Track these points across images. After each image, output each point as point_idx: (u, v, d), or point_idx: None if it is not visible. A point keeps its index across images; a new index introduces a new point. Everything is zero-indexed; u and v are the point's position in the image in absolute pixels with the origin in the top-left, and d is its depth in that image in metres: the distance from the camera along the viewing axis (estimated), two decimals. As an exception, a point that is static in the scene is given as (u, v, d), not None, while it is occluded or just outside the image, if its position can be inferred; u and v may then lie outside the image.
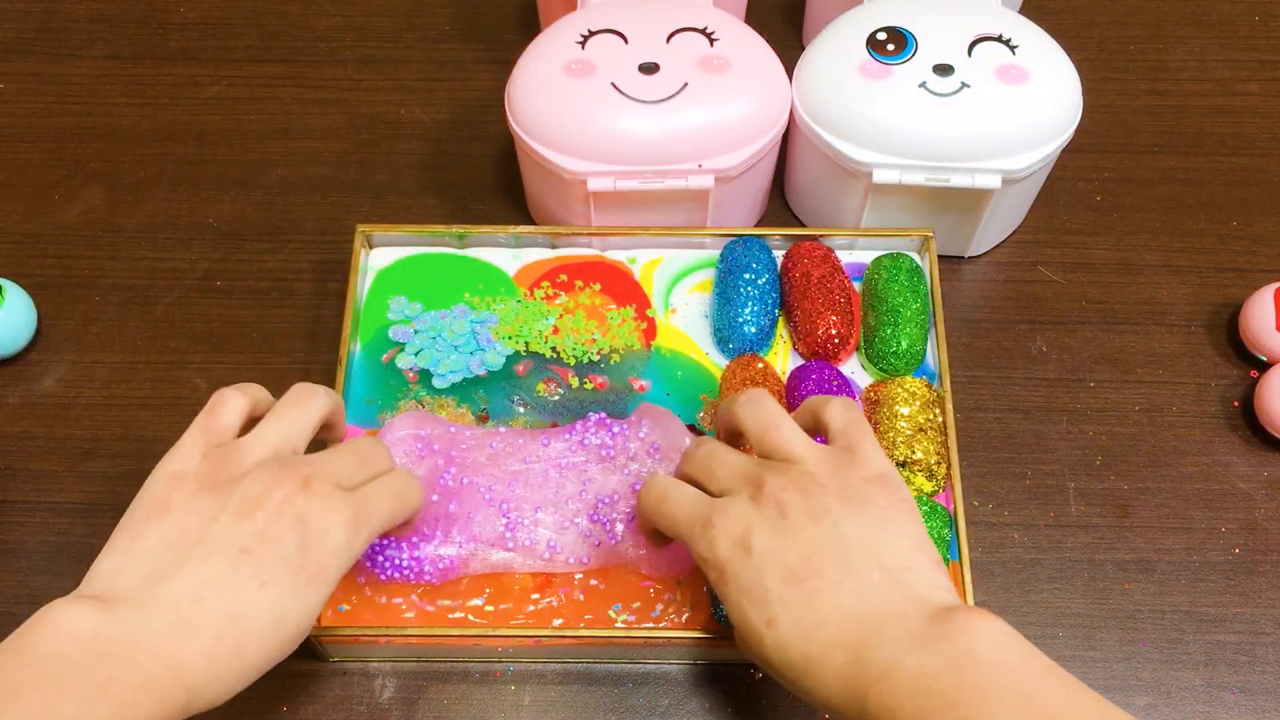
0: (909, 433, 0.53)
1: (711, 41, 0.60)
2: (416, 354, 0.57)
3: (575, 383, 0.56)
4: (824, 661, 0.38)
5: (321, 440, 0.48)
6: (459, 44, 0.76)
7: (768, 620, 0.39)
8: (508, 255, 0.60)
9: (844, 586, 0.38)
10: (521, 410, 0.56)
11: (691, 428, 0.55)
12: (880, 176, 0.58)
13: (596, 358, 0.57)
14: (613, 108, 0.57)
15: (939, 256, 0.63)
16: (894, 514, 0.41)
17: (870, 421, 0.53)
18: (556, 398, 0.56)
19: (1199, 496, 0.58)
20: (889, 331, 0.56)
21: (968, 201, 0.60)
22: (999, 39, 0.59)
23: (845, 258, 0.60)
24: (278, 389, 0.61)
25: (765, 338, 0.57)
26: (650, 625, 0.50)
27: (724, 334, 0.57)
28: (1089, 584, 0.55)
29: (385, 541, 0.50)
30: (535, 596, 0.51)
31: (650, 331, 0.58)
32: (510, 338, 0.58)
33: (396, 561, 0.50)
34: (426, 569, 0.50)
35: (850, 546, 0.39)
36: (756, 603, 0.39)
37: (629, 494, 0.51)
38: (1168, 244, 0.66)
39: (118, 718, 0.35)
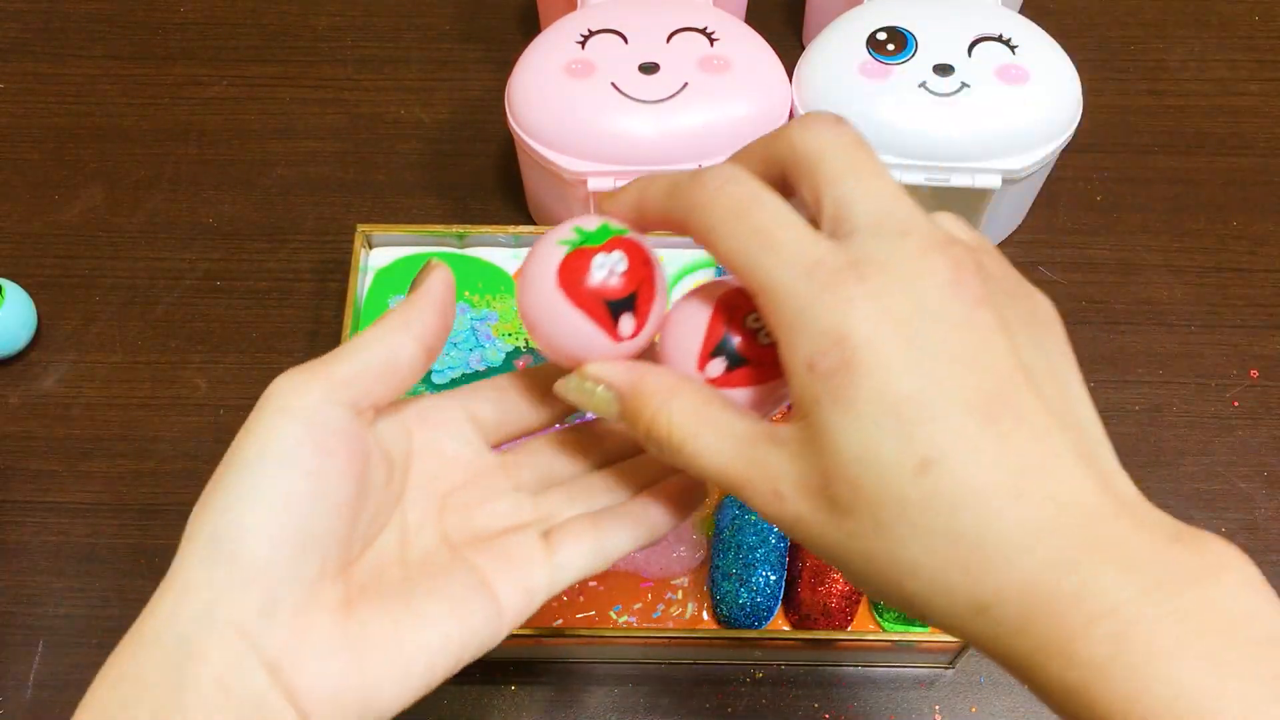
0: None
1: (711, 41, 0.60)
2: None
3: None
4: (998, 548, 0.23)
5: None
6: (459, 44, 0.76)
7: (922, 460, 0.23)
8: (508, 255, 0.60)
9: (1047, 446, 0.24)
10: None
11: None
12: (880, 176, 0.58)
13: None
14: (613, 108, 0.57)
15: (939, 256, 0.63)
16: (1058, 343, 0.28)
17: None
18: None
19: (1199, 497, 0.58)
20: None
21: (968, 202, 0.60)
22: (999, 39, 0.59)
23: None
24: (278, 389, 0.61)
25: (765, 338, 0.57)
26: (651, 625, 0.50)
27: (724, 334, 0.57)
28: (1089, 584, 0.55)
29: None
30: (535, 596, 0.51)
31: (650, 331, 0.58)
32: (510, 334, 0.58)
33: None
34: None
35: (1044, 382, 0.25)
36: (907, 425, 0.23)
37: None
38: (1168, 244, 0.66)
39: None
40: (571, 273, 0.28)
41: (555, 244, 0.29)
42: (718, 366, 0.29)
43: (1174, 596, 0.22)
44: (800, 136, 0.27)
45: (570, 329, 0.29)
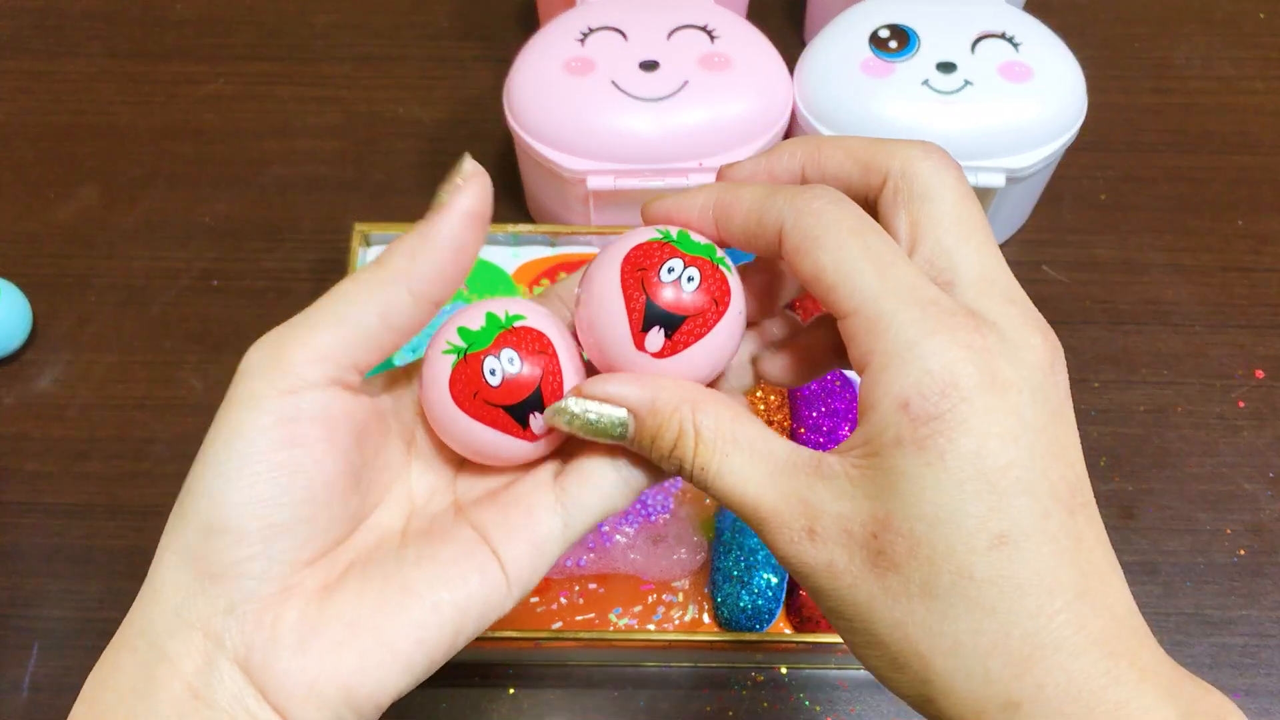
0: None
1: (712, 39, 0.59)
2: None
3: (575, 383, 0.56)
4: (1053, 645, 0.22)
5: None
6: (458, 41, 0.75)
7: (1000, 535, 0.23)
8: (507, 254, 0.60)
9: (1106, 554, 0.24)
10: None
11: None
12: (883, 175, 0.57)
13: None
14: (613, 106, 0.57)
15: (942, 255, 0.62)
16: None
17: None
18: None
19: (1204, 498, 0.57)
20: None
21: (971, 200, 0.59)
22: (1002, 36, 0.59)
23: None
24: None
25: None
26: (652, 628, 0.50)
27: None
28: (1093, 586, 0.54)
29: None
30: (534, 600, 0.50)
31: (651, 331, 0.58)
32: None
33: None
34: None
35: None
36: (996, 496, 0.23)
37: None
38: (1173, 243, 0.66)
39: None
40: (463, 386, 0.26)
41: (441, 354, 0.27)
42: (657, 339, 0.26)
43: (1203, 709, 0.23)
44: (916, 164, 0.26)
45: (478, 441, 0.27)
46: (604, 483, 0.27)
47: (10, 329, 0.59)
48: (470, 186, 0.27)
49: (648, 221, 0.28)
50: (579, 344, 0.28)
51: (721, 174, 0.29)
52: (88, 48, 0.75)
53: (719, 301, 0.26)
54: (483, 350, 0.26)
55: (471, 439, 0.27)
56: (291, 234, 0.66)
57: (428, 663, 0.26)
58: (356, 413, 0.26)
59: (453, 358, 0.26)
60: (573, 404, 0.26)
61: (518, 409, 0.26)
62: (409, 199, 0.68)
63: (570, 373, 0.27)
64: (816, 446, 0.51)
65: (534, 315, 0.28)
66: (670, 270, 0.26)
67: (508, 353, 0.26)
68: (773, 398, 0.52)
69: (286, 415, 0.25)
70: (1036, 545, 0.22)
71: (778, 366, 0.29)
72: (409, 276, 0.26)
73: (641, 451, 0.26)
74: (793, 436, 0.53)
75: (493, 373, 0.26)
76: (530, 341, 0.27)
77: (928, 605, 0.23)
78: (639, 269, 0.26)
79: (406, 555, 0.26)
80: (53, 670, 0.52)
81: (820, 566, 0.24)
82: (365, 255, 0.59)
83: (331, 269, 0.64)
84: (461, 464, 0.29)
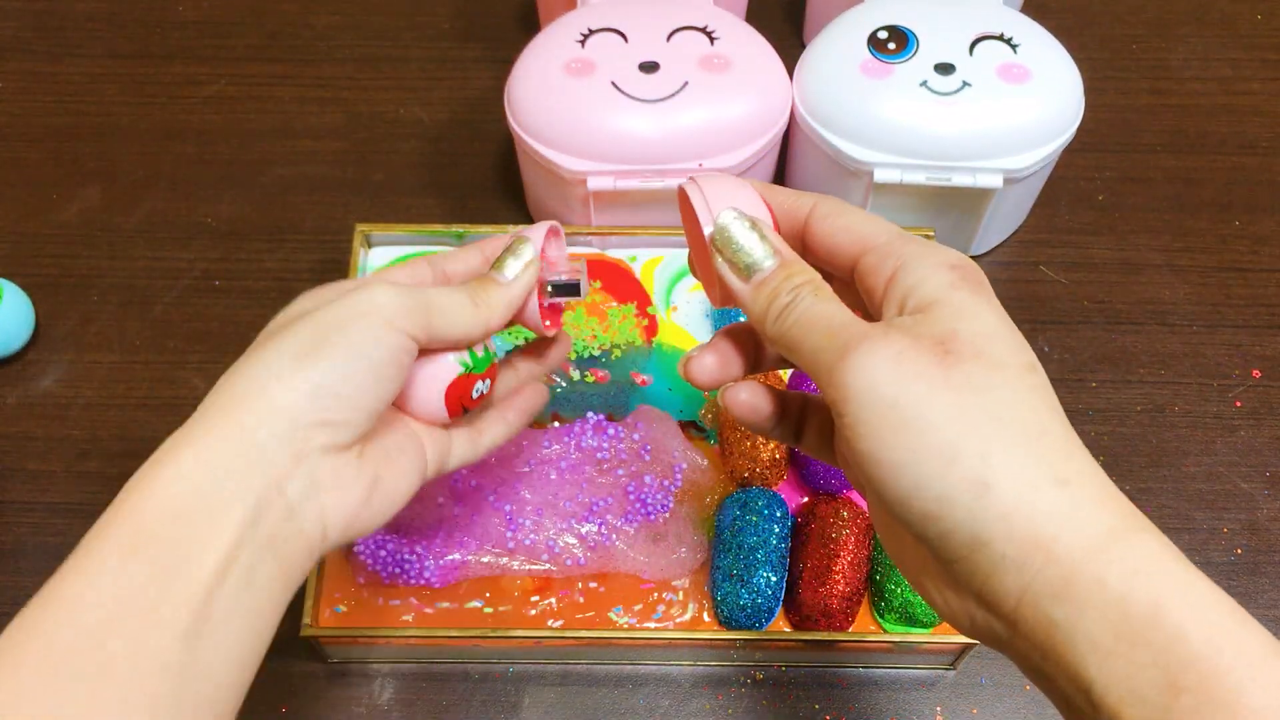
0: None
1: (712, 40, 0.59)
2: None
3: (576, 376, 0.56)
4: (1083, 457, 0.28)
5: None
6: (459, 43, 0.76)
7: (1032, 363, 0.29)
8: (507, 255, 0.60)
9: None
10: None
11: (692, 424, 0.55)
12: (881, 176, 0.58)
13: (598, 353, 0.57)
14: (613, 107, 0.57)
15: (940, 256, 0.62)
16: None
17: None
18: (559, 390, 0.56)
19: (1201, 497, 0.57)
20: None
21: (969, 201, 0.60)
22: (1000, 38, 0.59)
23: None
24: (277, 389, 0.60)
25: (766, 337, 0.57)
26: (652, 626, 0.50)
27: (724, 334, 0.57)
28: (1091, 585, 0.54)
29: (385, 538, 0.50)
30: (535, 599, 0.50)
31: (651, 328, 0.58)
32: (511, 332, 0.57)
33: (398, 561, 0.50)
34: (427, 571, 0.50)
35: None
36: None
37: (623, 499, 0.51)
38: (1170, 244, 0.66)
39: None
40: (456, 391, 0.38)
41: (454, 360, 0.38)
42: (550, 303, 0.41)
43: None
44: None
45: (433, 415, 0.39)
46: (466, 449, 0.42)
47: (13, 329, 0.59)
48: (530, 269, 0.39)
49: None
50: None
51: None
52: (90, 49, 0.75)
53: None
54: (478, 375, 0.39)
55: (429, 413, 0.39)
56: (293, 234, 0.66)
57: (399, 508, 0.37)
58: (413, 355, 0.36)
59: (459, 368, 0.38)
60: (744, 224, 0.33)
61: (469, 411, 0.40)
62: (410, 199, 0.68)
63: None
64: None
65: (498, 353, 0.41)
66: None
67: (486, 381, 0.40)
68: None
69: (403, 347, 0.34)
70: (1048, 383, 0.29)
71: (739, 402, 0.36)
72: (488, 318, 0.38)
73: (768, 284, 0.32)
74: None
75: (476, 391, 0.40)
76: (493, 372, 0.41)
77: (987, 396, 0.28)
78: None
79: (388, 441, 0.37)
80: (56, 668, 0.52)
81: (889, 354, 0.28)
82: (366, 256, 0.60)
83: (333, 269, 0.65)
84: None
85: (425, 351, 0.37)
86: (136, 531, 0.30)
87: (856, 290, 0.33)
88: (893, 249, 0.31)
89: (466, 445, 0.41)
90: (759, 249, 0.32)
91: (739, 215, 0.33)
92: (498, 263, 0.39)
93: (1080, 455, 0.28)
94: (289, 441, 0.32)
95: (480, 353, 0.39)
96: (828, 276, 0.34)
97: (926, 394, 0.27)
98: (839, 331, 0.30)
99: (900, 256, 0.31)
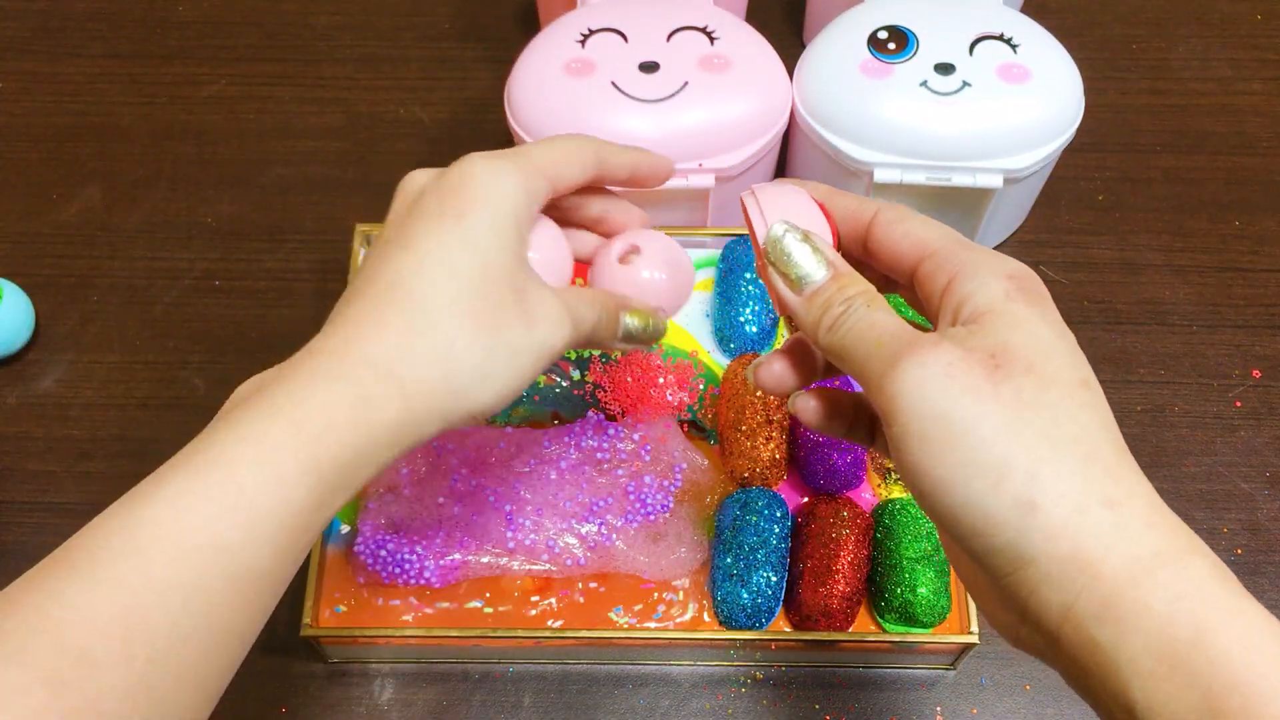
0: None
1: (712, 40, 0.59)
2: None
3: (576, 376, 0.56)
4: (1130, 468, 0.28)
5: None
6: (458, 43, 0.76)
7: (1086, 379, 0.29)
8: (507, 255, 0.60)
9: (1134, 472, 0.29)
10: (522, 401, 0.56)
11: (692, 423, 0.55)
12: (881, 176, 0.58)
13: (598, 352, 0.57)
14: (613, 107, 0.57)
15: (940, 256, 0.62)
16: None
17: None
18: (558, 390, 0.56)
19: (1201, 497, 0.57)
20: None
21: (969, 201, 0.60)
22: (1000, 38, 0.59)
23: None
24: (277, 389, 0.60)
25: (767, 337, 0.57)
26: (652, 626, 0.50)
27: (725, 333, 0.57)
28: (1091, 585, 0.54)
29: (385, 538, 0.50)
30: (535, 599, 0.50)
31: (650, 331, 0.58)
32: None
33: (398, 561, 0.50)
34: (427, 571, 0.50)
35: None
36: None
37: (623, 499, 0.51)
38: (1170, 244, 0.66)
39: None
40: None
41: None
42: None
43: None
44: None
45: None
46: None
47: (13, 329, 0.59)
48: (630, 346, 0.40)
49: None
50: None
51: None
52: (90, 49, 0.75)
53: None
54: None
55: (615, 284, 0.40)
56: (293, 234, 0.67)
57: (519, 388, 0.35)
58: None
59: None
60: (795, 235, 0.33)
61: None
62: (410, 200, 0.68)
63: None
64: (816, 444, 0.51)
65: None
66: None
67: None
68: (771, 398, 0.52)
69: (525, 221, 0.35)
70: (1103, 399, 0.29)
71: (808, 409, 0.36)
72: (603, 171, 0.39)
73: (820, 295, 0.32)
74: (792, 434, 0.53)
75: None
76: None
77: (1038, 413, 0.27)
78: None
79: (502, 314, 0.34)
80: (56, 668, 0.52)
81: (940, 367, 0.28)
82: (366, 256, 0.60)
83: (333, 269, 0.65)
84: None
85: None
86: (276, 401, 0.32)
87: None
88: (951, 256, 0.31)
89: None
90: (810, 261, 0.32)
91: (790, 227, 0.33)
92: (637, 314, 0.39)
93: (1132, 476, 0.27)
94: None
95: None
96: (893, 284, 0.34)
97: (975, 408, 0.27)
98: (889, 341, 0.29)
99: (957, 264, 0.30)
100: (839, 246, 0.35)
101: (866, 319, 0.31)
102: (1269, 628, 0.25)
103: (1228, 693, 0.24)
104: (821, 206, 0.35)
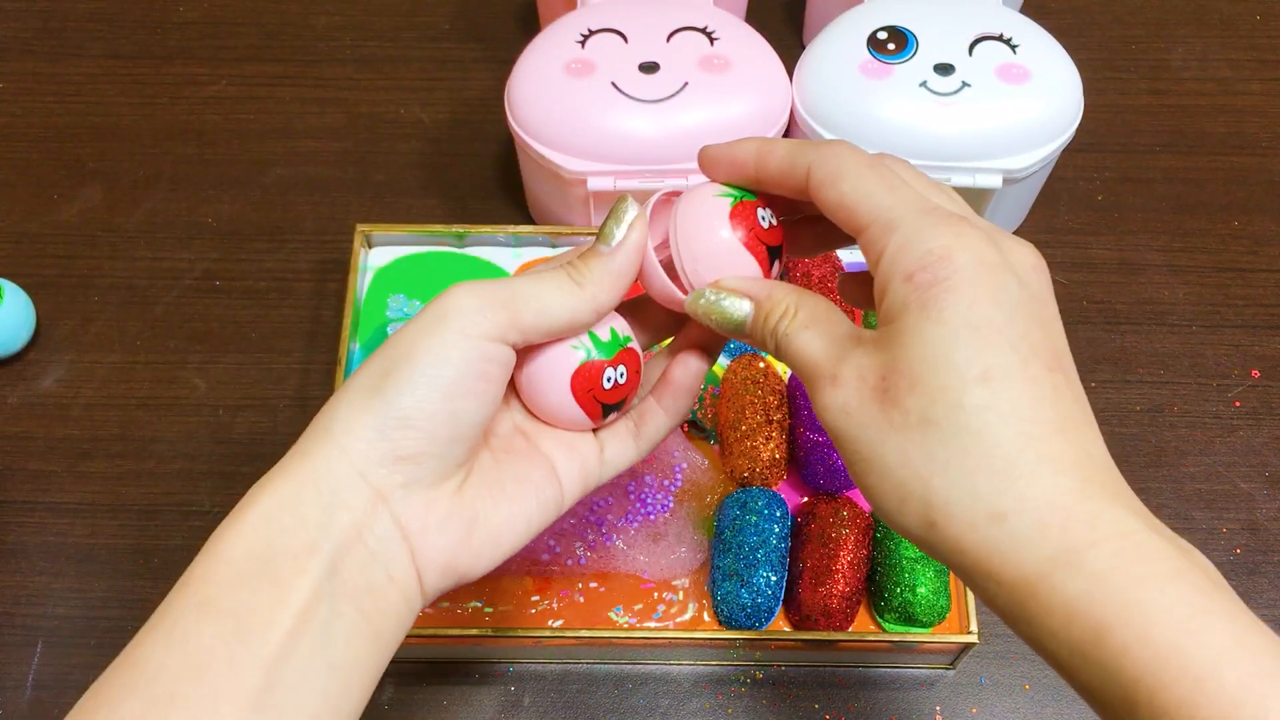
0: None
1: (712, 41, 0.60)
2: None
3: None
4: (1030, 466, 0.27)
5: None
6: (459, 43, 0.76)
7: (986, 371, 0.27)
8: (507, 254, 0.60)
9: (1084, 412, 0.29)
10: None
11: (692, 424, 0.55)
12: (881, 176, 0.58)
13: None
14: (613, 107, 0.57)
15: (940, 256, 0.63)
16: None
17: None
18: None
19: (1200, 497, 0.57)
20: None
21: (968, 201, 0.60)
22: (1000, 38, 0.59)
23: (846, 257, 0.60)
24: (277, 389, 0.61)
25: (766, 338, 0.57)
26: (652, 626, 0.50)
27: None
28: (1090, 584, 0.54)
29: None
30: (535, 599, 0.50)
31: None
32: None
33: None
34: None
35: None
36: (984, 341, 0.28)
37: (623, 499, 0.51)
38: (1169, 244, 0.66)
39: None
40: (583, 382, 0.34)
41: (570, 348, 0.34)
42: (777, 269, 0.35)
43: (1172, 538, 0.26)
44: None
45: (569, 419, 0.35)
46: (624, 447, 0.37)
47: (14, 329, 0.59)
48: (637, 227, 0.34)
49: (707, 160, 0.35)
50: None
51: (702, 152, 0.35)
52: (91, 49, 0.75)
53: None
54: (607, 361, 0.34)
55: (565, 417, 0.35)
56: (293, 235, 0.67)
57: (513, 549, 0.33)
58: (510, 360, 0.33)
59: (581, 355, 0.34)
60: (710, 294, 0.33)
61: (611, 406, 0.35)
62: (411, 200, 0.68)
63: (636, 387, 0.36)
64: (815, 444, 0.51)
65: (634, 337, 0.36)
66: (763, 218, 0.34)
67: (621, 368, 0.35)
68: (771, 398, 0.52)
69: (486, 356, 0.31)
70: (1017, 384, 0.27)
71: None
72: (594, 296, 0.33)
73: (753, 331, 0.33)
74: (792, 434, 0.53)
75: (609, 380, 0.35)
76: (633, 360, 0.36)
77: (925, 432, 0.27)
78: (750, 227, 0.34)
79: (501, 469, 0.34)
80: (56, 669, 0.52)
81: (837, 407, 0.29)
82: (366, 256, 0.60)
83: (333, 269, 0.65)
84: (511, 398, 0.36)
85: (536, 349, 0.34)
86: (209, 590, 0.29)
87: None
88: (875, 241, 0.30)
89: (625, 445, 0.37)
90: (731, 306, 0.33)
91: (699, 293, 0.34)
92: (600, 232, 0.34)
93: (1025, 478, 0.27)
94: (364, 485, 0.30)
95: (605, 336, 0.35)
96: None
97: (875, 438, 0.29)
98: (807, 373, 0.31)
99: (877, 253, 0.30)
100: (781, 240, 0.35)
101: (790, 349, 0.32)
102: (1165, 617, 0.25)
103: (1134, 685, 0.25)
104: (752, 206, 0.34)
